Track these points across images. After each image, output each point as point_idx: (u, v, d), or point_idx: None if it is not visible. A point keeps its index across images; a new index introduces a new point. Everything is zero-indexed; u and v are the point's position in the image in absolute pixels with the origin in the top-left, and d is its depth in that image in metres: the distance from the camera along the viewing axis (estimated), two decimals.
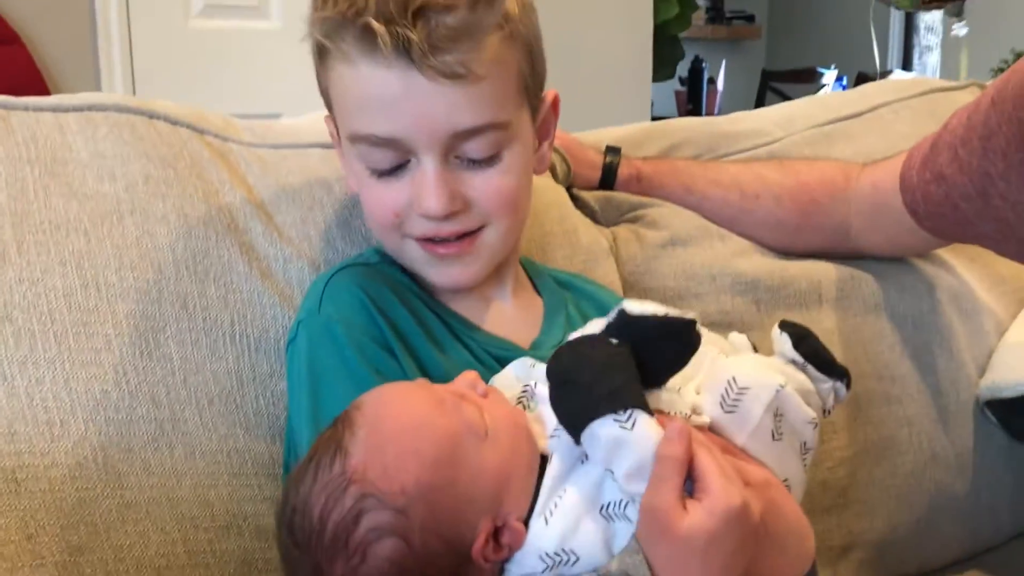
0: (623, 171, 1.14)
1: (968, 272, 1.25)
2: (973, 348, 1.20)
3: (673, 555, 0.62)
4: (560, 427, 0.66)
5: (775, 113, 1.34)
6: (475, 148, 0.77)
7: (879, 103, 1.34)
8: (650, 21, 2.80)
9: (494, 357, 0.82)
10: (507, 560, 0.66)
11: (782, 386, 0.71)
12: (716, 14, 5.17)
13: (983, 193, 0.94)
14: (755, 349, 0.80)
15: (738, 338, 0.81)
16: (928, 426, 1.15)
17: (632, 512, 0.64)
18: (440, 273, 0.83)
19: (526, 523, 0.65)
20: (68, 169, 0.87)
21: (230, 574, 0.84)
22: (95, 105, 0.92)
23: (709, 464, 0.63)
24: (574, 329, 0.88)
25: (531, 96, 0.82)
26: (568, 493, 0.65)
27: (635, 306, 0.65)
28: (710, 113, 4.34)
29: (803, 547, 0.69)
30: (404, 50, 0.72)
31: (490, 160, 0.78)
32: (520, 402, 0.71)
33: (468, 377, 0.71)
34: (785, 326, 0.76)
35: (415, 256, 0.82)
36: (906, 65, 4.76)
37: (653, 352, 0.65)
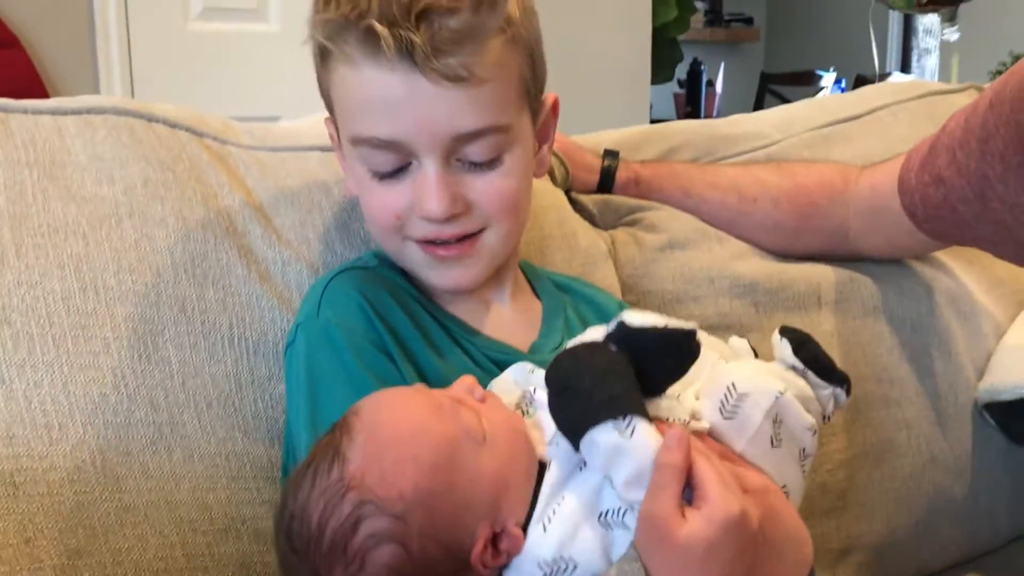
0: (621, 175, 1.14)
1: (966, 274, 1.25)
2: (972, 351, 1.20)
3: (671, 563, 0.61)
4: (559, 433, 0.65)
5: (773, 116, 1.35)
6: (476, 151, 0.77)
7: (877, 106, 1.34)
8: (649, 24, 2.80)
9: (493, 361, 0.82)
10: (505, 566, 0.66)
11: (781, 392, 0.70)
12: (715, 17, 5.18)
13: (981, 196, 0.94)
14: (756, 353, 0.80)
15: (739, 343, 0.81)
16: (927, 429, 1.15)
17: (631, 520, 0.63)
18: (441, 275, 0.83)
19: (524, 529, 0.65)
20: (67, 172, 0.87)
21: None
22: (94, 108, 0.92)
23: (708, 472, 0.62)
24: (572, 332, 0.88)
25: (532, 99, 0.82)
26: (566, 500, 0.65)
27: (635, 317, 0.64)
28: (709, 116, 4.34)
29: (801, 553, 0.69)
30: (407, 53, 0.72)
31: (491, 163, 0.79)
32: (519, 407, 0.71)
33: (466, 382, 0.71)
34: (785, 332, 0.76)
35: (415, 258, 0.82)
36: (904, 68, 4.76)
37: (653, 361, 0.65)
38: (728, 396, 0.70)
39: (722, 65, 4.58)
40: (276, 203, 0.94)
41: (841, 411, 0.78)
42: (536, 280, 0.93)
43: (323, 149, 0.98)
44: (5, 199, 0.84)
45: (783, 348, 0.75)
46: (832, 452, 1.10)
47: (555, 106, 0.87)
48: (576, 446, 0.64)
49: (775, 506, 0.67)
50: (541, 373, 0.71)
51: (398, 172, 0.79)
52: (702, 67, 4.46)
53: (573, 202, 1.12)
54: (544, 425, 0.68)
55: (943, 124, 1.01)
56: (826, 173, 1.13)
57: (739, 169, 1.16)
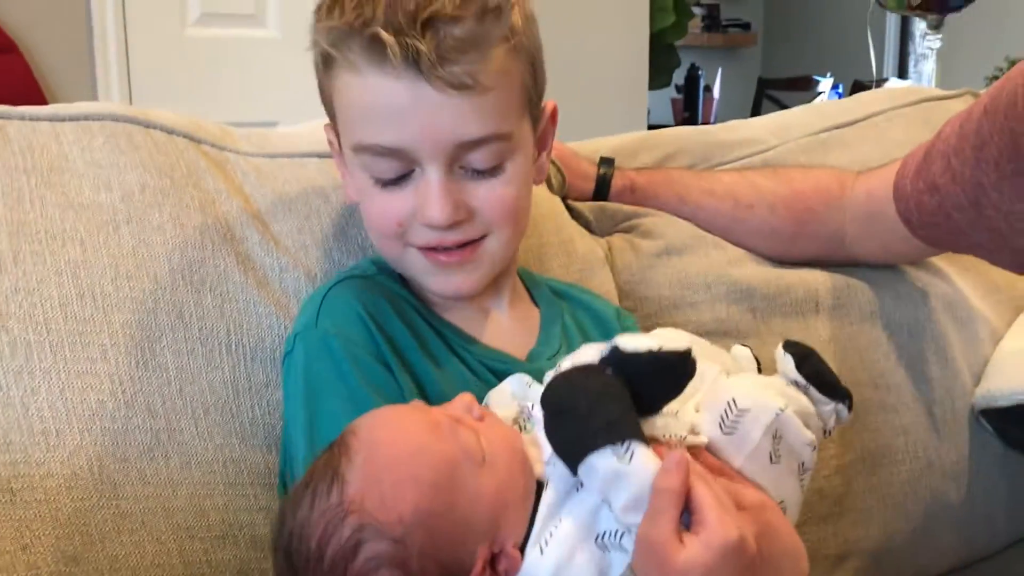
0: (617, 182, 1.14)
1: (963, 280, 1.25)
2: (968, 356, 1.21)
3: None
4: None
5: (770, 121, 1.35)
6: (479, 158, 0.78)
7: (873, 111, 1.34)
8: (646, 29, 2.81)
9: (490, 370, 0.82)
10: None
11: (782, 409, 0.70)
12: (712, 22, 5.19)
13: (976, 203, 0.94)
14: (758, 362, 0.80)
15: (741, 351, 0.80)
16: (924, 434, 1.16)
17: (628, 542, 0.63)
18: (442, 281, 0.83)
19: (522, 550, 0.65)
20: (64, 178, 0.87)
21: None
22: (91, 114, 0.92)
23: (706, 496, 0.62)
24: (570, 339, 0.89)
25: (532, 107, 0.82)
26: (563, 522, 0.65)
27: (629, 342, 0.64)
28: (706, 121, 4.35)
29: (797, 568, 0.69)
30: (413, 61, 0.72)
31: (493, 170, 0.79)
32: (516, 423, 0.71)
33: (464, 400, 0.71)
34: (789, 346, 0.75)
35: (417, 265, 0.82)
36: (902, 73, 4.77)
37: (648, 384, 0.65)
38: (728, 411, 0.70)
39: (719, 70, 4.59)
40: (274, 209, 0.94)
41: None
42: (534, 287, 0.94)
43: (321, 156, 0.98)
44: (3, 205, 0.84)
45: (786, 363, 0.75)
46: (829, 458, 1.10)
47: (554, 114, 0.87)
48: (574, 470, 0.63)
49: (771, 522, 0.67)
50: (539, 388, 0.71)
51: (401, 179, 0.79)
52: (700, 72, 4.47)
53: (569, 209, 1.12)
54: (542, 442, 0.67)
55: (938, 130, 1.01)
56: (822, 179, 1.13)
57: (735, 175, 1.16)
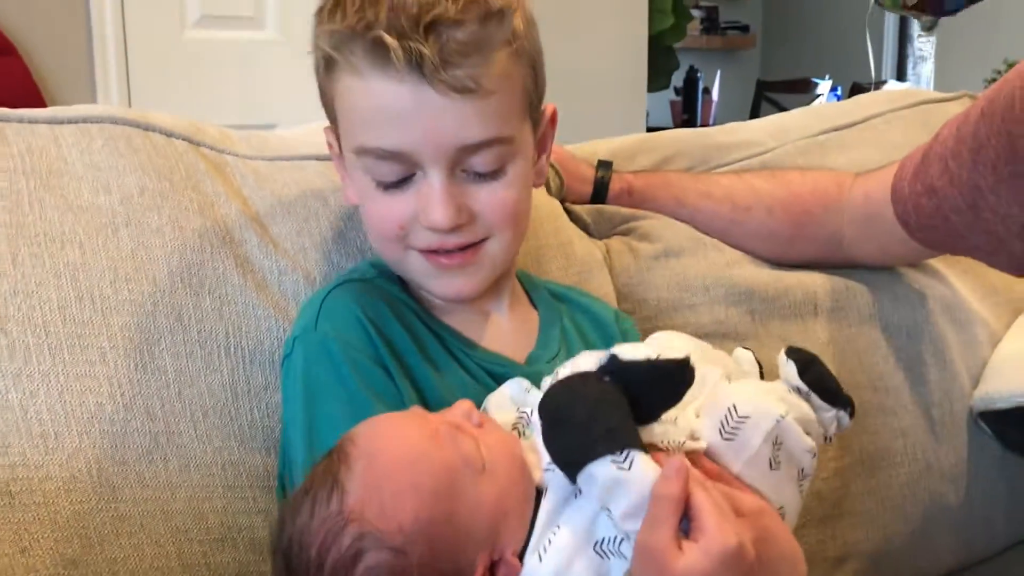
0: (615, 185, 1.14)
1: (961, 282, 1.26)
2: (967, 358, 1.21)
3: None
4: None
5: (768, 123, 1.35)
6: (481, 162, 0.78)
7: (871, 114, 1.35)
8: (645, 31, 2.81)
9: (489, 374, 0.82)
10: None
11: (783, 416, 0.70)
12: (711, 24, 5.19)
13: (973, 206, 0.94)
14: (760, 366, 0.80)
15: (743, 354, 0.80)
16: (922, 437, 1.16)
17: (627, 549, 0.63)
18: (443, 284, 0.83)
19: (521, 557, 0.65)
20: (63, 181, 0.87)
21: None
22: (90, 117, 0.92)
23: (705, 503, 0.62)
24: (569, 342, 0.89)
25: (533, 110, 0.83)
26: (562, 529, 0.65)
27: (626, 351, 0.65)
28: (705, 123, 4.35)
29: (796, 572, 0.69)
30: (416, 64, 0.72)
31: (495, 174, 0.79)
32: (515, 428, 0.71)
33: (463, 407, 0.71)
34: (791, 352, 0.75)
35: (418, 268, 0.82)
36: (901, 75, 4.77)
37: (646, 393, 0.65)
38: (728, 417, 0.70)
39: (718, 73, 4.59)
40: (273, 212, 0.94)
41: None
42: (533, 290, 0.94)
43: (320, 158, 0.98)
44: (1, 208, 0.84)
45: (788, 369, 0.75)
46: (828, 460, 1.10)
47: (553, 117, 0.88)
48: (573, 479, 0.63)
49: (769, 527, 0.67)
50: (537, 394, 0.71)
51: (402, 182, 0.79)
52: (698, 75, 4.47)
53: (568, 212, 1.12)
54: (540, 449, 0.67)
55: (936, 133, 1.01)
56: (820, 181, 1.13)
57: (733, 177, 1.16)
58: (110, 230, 0.86)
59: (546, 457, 0.66)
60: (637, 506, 0.62)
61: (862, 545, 1.12)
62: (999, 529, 1.22)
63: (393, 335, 0.80)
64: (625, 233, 1.14)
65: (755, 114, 4.41)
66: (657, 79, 3.32)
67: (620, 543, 0.64)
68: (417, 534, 0.63)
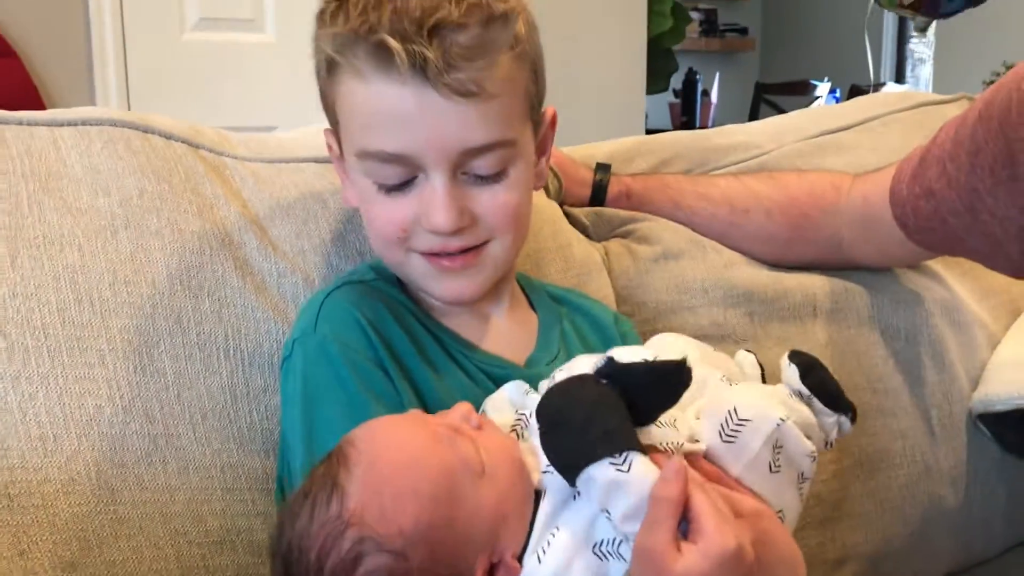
0: (613, 188, 1.14)
1: (960, 284, 1.26)
2: (965, 360, 1.21)
3: None
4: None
5: (767, 126, 1.35)
6: (483, 165, 0.78)
7: (869, 116, 1.35)
8: (644, 34, 2.81)
9: (489, 376, 0.82)
10: None
11: (783, 420, 0.70)
12: (710, 27, 5.20)
13: (971, 209, 0.94)
14: (762, 368, 0.80)
15: (745, 357, 0.80)
16: (921, 439, 1.16)
17: (626, 550, 0.63)
18: (444, 286, 0.83)
19: (520, 559, 0.65)
20: (62, 183, 0.87)
21: None
22: (90, 119, 0.92)
23: (704, 505, 0.62)
24: (568, 344, 0.89)
25: (534, 113, 0.83)
26: (561, 530, 0.65)
27: (624, 354, 0.65)
28: (704, 126, 4.35)
29: (795, 574, 0.69)
30: (420, 68, 0.72)
31: (496, 176, 0.79)
32: (514, 430, 0.71)
33: (462, 409, 0.71)
34: (794, 356, 0.75)
35: (419, 270, 0.82)
36: (899, 78, 4.78)
37: (644, 395, 0.65)
38: (728, 420, 0.70)
39: (717, 75, 4.60)
40: (272, 215, 0.94)
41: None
42: (532, 292, 0.94)
43: (319, 161, 0.98)
44: (1, 210, 0.84)
45: (790, 373, 0.75)
46: (827, 462, 1.10)
47: (553, 119, 0.88)
48: (572, 482, 0.63)
49: (768, 529, 0.68)
50: (536, 396, 0.71)
51: (404, 185, 0.79)
52: (697, 77, 4.48)
53: (567, 214, 1.13)
54: (539, 451, 0.67)
55: (934, 135, 1.01)
56: (818, 183, 1.13)
57: (731, 180, 1.16)
58: (109, 232, 0.86)
59: (544, 459, 0.66)
60: (636, 508, 0.62)
61: (861, 547, 1.12)
62: (998, 531, 1.22)
63: (392, 337, 0.80)
64: (624, 235, 1.14)
65: (754, 116, 4.41)
66: (656, 81, 3.33)
67: (619, 545, 0.64)
68: (417, 537, 0.63)
